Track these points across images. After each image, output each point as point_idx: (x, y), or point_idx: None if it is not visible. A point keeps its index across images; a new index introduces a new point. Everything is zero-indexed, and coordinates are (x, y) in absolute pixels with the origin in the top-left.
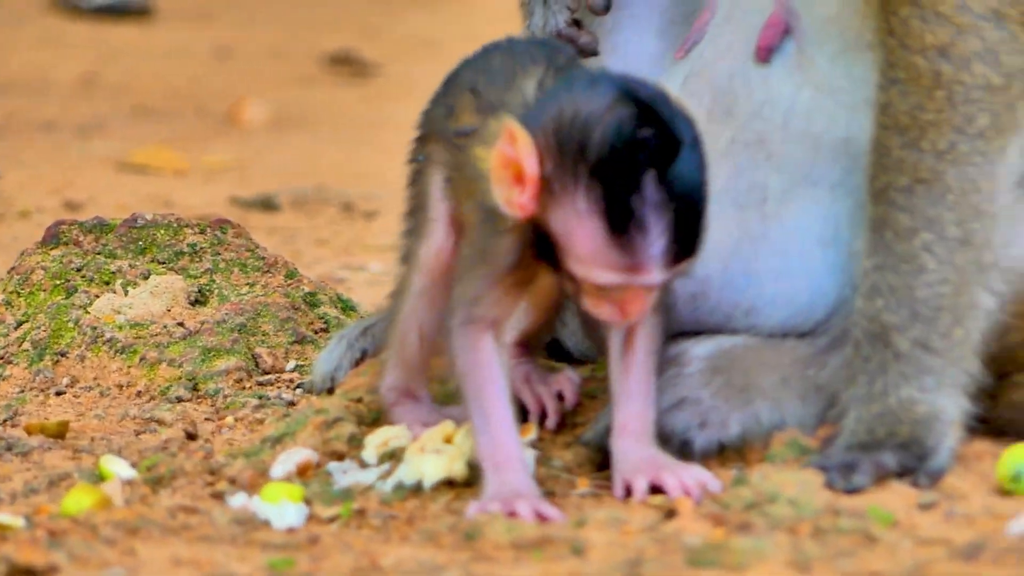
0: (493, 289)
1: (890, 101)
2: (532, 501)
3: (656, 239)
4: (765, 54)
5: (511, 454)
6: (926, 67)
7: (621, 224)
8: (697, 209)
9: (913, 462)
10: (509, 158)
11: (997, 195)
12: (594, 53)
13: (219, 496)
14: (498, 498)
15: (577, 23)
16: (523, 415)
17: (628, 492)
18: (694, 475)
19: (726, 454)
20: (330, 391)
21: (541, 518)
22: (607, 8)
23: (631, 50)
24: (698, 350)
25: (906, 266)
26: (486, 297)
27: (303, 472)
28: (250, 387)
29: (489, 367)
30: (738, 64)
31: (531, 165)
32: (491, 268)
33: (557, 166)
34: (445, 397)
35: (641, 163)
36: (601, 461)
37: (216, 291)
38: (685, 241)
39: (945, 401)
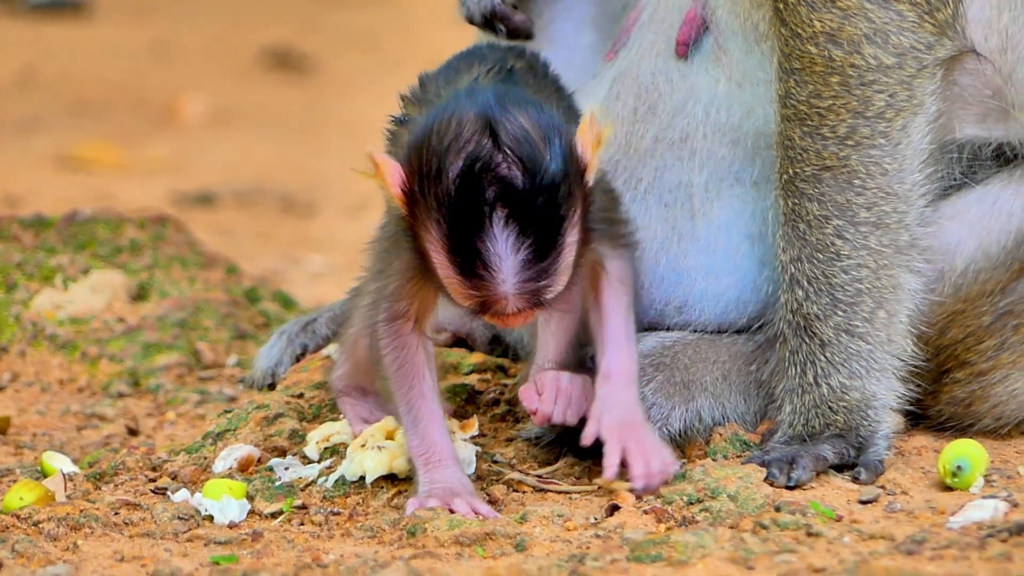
0: (408, 283)
1: (789, 91)
2: (467, 498)
3: (503, 279)
4: (683, 49)
5: (441, 451)
6: (818, 54)
7: (468, 263)
8: (550, 246)
9: (851, 452)
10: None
11: (905, 175)
12: (528, 35)
13: (161, 492)
14: (434, 494)
15: (513, 6)
16: (466, 410)
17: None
18: (661, 459)
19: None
20: (271, 387)
21: (476, 515)
22: None
23: (568, 42)
24: (643, 347)
25: (821, 255)
26: (402, 291)
27: (245, 468)
28: (191, 382)
29: (414, 363)
30: (660, 62)
31: (395, 189)
32: (401, 263)
33: (417, 190)
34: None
35: (489, 203)
36: (544, 457)
37: (156, 287)
38: (538, 279)
39: (876, 386)
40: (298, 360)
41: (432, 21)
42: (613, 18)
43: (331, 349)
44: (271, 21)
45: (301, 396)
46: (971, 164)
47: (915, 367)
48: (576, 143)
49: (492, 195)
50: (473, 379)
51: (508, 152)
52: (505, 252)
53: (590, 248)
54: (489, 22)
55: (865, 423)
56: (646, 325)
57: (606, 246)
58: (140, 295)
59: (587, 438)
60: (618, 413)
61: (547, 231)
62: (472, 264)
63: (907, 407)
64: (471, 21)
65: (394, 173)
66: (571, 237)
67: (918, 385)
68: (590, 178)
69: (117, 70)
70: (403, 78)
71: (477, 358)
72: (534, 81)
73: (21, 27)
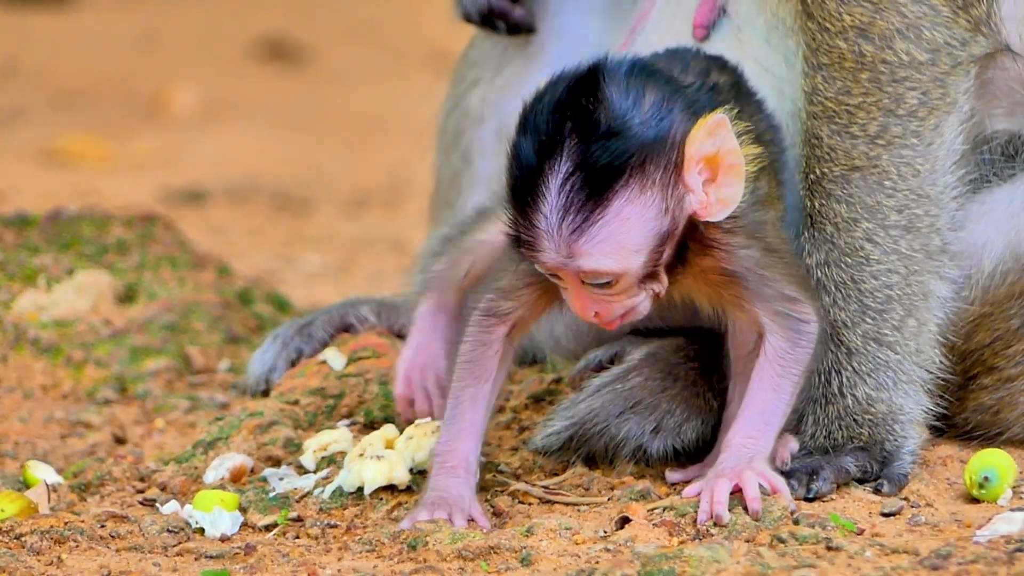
0: (522, 287)
1: (816, 87)
2: (453, 511)
3: (543, 212)
4: (701, 32)
5: (459, 459)
6: (848, 49)
7: (521, 182)
8: (600, 203)
9: (874, 466)
10: None
11: (937, 177)
12: (531, 29)
13: (150, 503)
14: (425, 504)
15: None
16: None
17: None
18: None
19: (681, 460)
20: (265, 393)
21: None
22: None
23: (574, 34)
24: (659, 352)
25: (849, 259)
26: (513, 293)
27: (237, 478)
28: (181, 388)
29: (487, 367)
30: (680, 43)
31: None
32: (518, 265)
33: (525, 108)
34: None
35: (563, 130)
36: (551, 468)
37: (145, 288)
38: (578, 232)
39: (903, 399)
40: (293, 365)
41: (433, 10)
42: (621, 8)
43: (327, 354)
44: (264, 9)
45: (296, 403)
46: (994, 160)
47: (942, 378)
48: (685, 139)
49: (568, 126)
50: None
51: (605, 93)
52: (554, 185)
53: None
54: (488, 19)
55: (891, 438)
56: (676, 324)
57: (769, 315)
58: (127, 297)
59: (689, 491)
60: (716, 469)
61: (601, 184)
62: (523, 189)
63: (934, 422)
64: (468, 20)
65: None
66: (629, 208)
67: (944, 397)
68: (687, 177)
69: (103, 61)
70: (402, 69)
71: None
72: (736, 99)
73: (2, 16)
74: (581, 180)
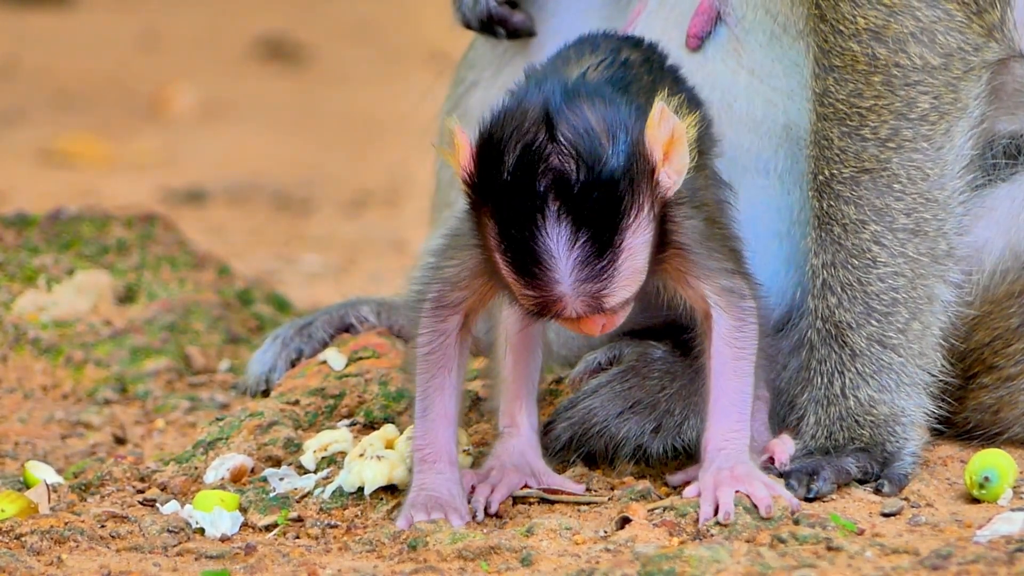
0: (469, 275)
1: (827, 89)
2: (449, 512)
3: (558, 278)
4: (695, 42)
5: (439, 451)
6: (861, 51)
7: (522, 260)
8: (607, 245)
9: (875, 467)
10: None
11: (946, 181)
12: (530, 33)
13: (150, 503)
14: (417, 504)
15: (511, 3)
16: (469, 417)
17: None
18: (762, 488)
19: (681, 459)
20: (265, 393)
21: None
22: None
23: (574, 33)
24: (656, 352)
25: (856, 260)
26: (462, 281)
27: (237, 478)
28: (181, 388)
29: (447, 355)
30: (673, 51)
31: (462, 173)
32: (471, 254)
33: (478, 178)
34: None
35: (541, 196)
36: (551, 467)
37: (145, 288)
38: (596, 279)
39: (906, 401)
40: (293, 365)
41: (433, 10)
42: (620, 7)
43: (328, 354)
44: (265, 9)
45: (296, 403)
46: (996, 160)
47: (943, 382)
48: (644, 141)
49: (544, 188)
50: (476, 385)
51: (564, 144)
52: (558, 249)
53: (689, 274)
54: (487, 25)
55: (892, 439)
56: (671, 324)
57: (714, 291)
58: (127, 297)
59: (689, 492)
60: (712, 472)
61: (604, 229)
62: (526, 261)
63: (935, 426)
64: (468, 26)
65: (466, 156)
66: (634, 239)
67: (945, 400)
68: (665, 177)
69: (103, 61)
70: (402, 69)
71: (481, 363)
72: (649, 72)
73: (2, 16)
74: (587, 238)
